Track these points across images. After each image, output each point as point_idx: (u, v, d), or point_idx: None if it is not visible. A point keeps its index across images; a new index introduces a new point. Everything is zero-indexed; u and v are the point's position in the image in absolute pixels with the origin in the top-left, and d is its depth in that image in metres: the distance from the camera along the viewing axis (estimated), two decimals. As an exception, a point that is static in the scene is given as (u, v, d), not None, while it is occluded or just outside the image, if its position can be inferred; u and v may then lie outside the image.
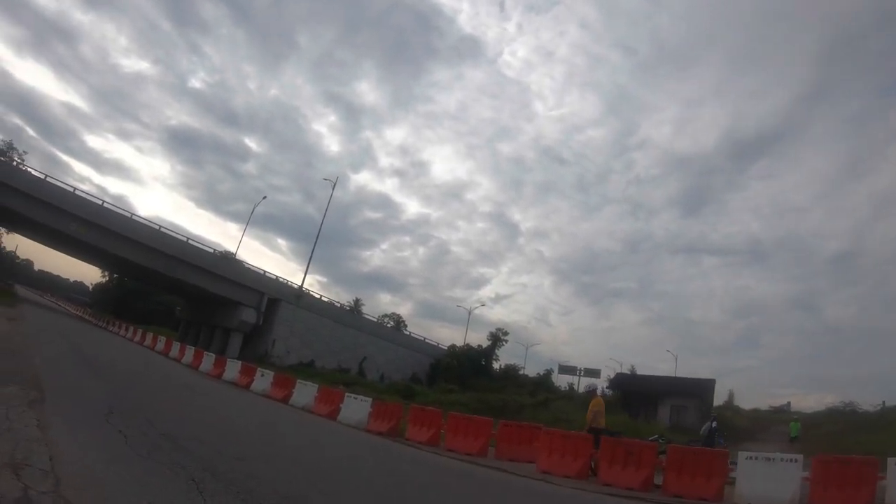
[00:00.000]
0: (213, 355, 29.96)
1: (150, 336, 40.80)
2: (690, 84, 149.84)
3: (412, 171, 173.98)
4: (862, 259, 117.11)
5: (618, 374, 61.59)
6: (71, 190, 46.84)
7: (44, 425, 6.58)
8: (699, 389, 49.87)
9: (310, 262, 71.23)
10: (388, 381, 55.50)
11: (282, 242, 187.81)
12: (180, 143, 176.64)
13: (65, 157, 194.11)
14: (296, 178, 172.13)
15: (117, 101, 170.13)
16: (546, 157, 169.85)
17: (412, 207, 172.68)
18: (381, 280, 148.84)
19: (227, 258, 58.61)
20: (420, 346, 68.22)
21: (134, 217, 50.39)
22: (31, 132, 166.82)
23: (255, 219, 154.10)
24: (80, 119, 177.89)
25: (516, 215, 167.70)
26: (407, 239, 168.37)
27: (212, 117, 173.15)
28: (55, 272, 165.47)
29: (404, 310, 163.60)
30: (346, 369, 55.94)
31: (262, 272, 57.35)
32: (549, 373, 69.97)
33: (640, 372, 62.38)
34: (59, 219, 44.30)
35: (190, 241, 52.81)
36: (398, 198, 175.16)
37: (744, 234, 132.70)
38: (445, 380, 57.96)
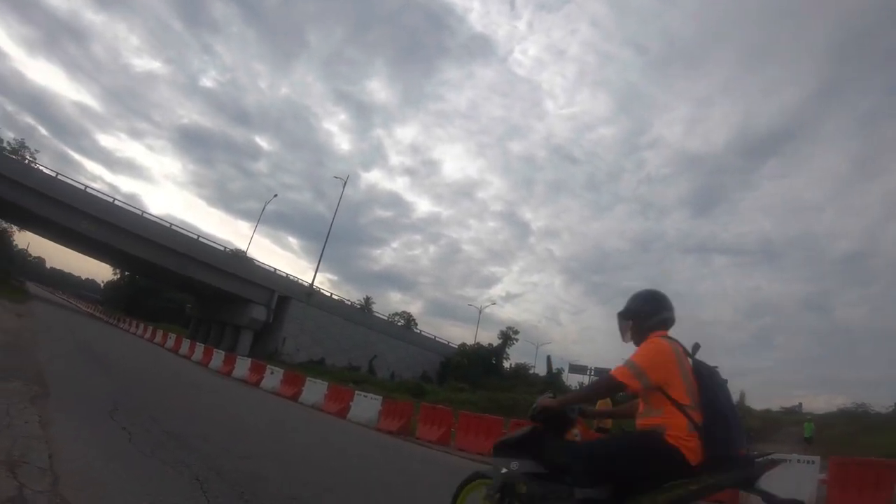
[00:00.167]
0: (223, 352, 29.92)
1: (160, 333, 40.86)
2: (701, 82, 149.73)
3: (423, 169, 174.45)
4: (874, 259, 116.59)
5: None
6: (82, 188, 47.15)
7: (45, 422, 6.43)
8: (710, 390, 49.43)
9: (320, 260, 71.52)
10: (399, 379, 55.47)
11: (293, 241, 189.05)
12: (192, 142, 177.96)
13: (77, 156, 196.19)
14: (306, 177, 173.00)
15: (129, 101, 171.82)
16: (557, 156, 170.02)
17: (423, 206, 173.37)
18: (392, 278, 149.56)
19: (238, 256, 58.74)
20: (430, 345, 68.22)
21: (144, 215, 50.67)
22: (43, 131, 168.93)
23: (266, 217, 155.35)
24: (92, 118, 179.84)
25: (527, 214, 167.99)
26: (418, 237, 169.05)
27: (223, 116, 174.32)
28: (67, 270, 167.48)
29: (415, 308, 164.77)
30: (357, 367, 56.03)
31: (273, 270, 57.53)
32: (559, 372, 69.84)
33: (649, 372, 61.93)
34: (69, 216, 44.57)
35: (200, 239, 53.03)
36: (409, 196, 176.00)
37: (755, 234, 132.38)
38: (456, 378, 57.92)
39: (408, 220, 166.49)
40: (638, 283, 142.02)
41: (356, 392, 19.80)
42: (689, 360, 3.87)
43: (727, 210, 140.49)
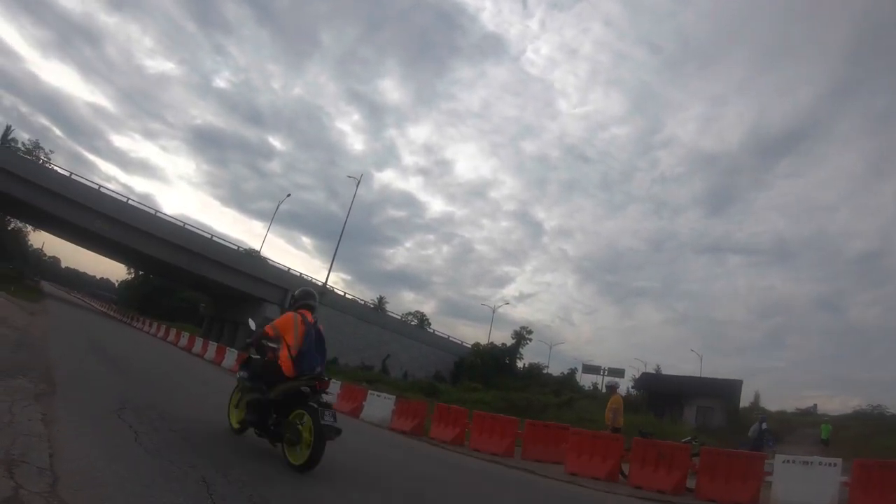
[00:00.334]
0: (236, 351, 29.78)
1: (173, 332, 40.87)
2: (715, 81, 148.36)
3: (436, 169, 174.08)
4: (888, 259, 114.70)
5: (643, 373, 61.00)
6: (95, 187, 47.32)
7: (49, 420, 6.24)
8: (726, 390, 49.07)
9: (333, 260, 71.31)
10: (412, 378, 55.29)
11: (306, 240, 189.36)
12: (205, 143, 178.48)
13: (91, 157, 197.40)
14: (320, 177, 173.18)
15: (143, 102, 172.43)
16: (570, 156, 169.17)
17: (436, 206, 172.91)
18: (405, 278, 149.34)
19: (251, 255, 58.80)
20: (444, 344, 68.01)
21: (158, 214, 50.84)
22: (57, 132, 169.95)
23: (280, 217, 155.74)
24: (106, 119, 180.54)
25: (540, 214, 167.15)
26: (431, 237, 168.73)
27: (236, 116, 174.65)
28: (82, 269, 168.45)
29: (428, 308, 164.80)
30: (370, 367, 55.93)
31: (286, 269, 57.53)
32: (573, 372, 69.51)
33: (664, 372, 61.69)
34: (83, 216, 44.71)
35: (214, 238, 53.14)
36: (422, 196, 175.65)
37: (769, 234, 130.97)
38: (469, 378, 57.74)
39: (421, 219, 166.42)
40: (651, 282, 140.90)
41: (369, 391, 19.62)
42: (304, 326, 7.84)
43: (741, 209, 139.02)
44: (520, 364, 69.50)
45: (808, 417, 49.92)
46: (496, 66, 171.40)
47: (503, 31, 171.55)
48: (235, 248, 56.02)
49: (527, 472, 12.40)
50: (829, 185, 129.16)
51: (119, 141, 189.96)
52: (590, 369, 67.82)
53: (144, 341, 32.00)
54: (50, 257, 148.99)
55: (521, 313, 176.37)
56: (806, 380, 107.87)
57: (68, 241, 67.12)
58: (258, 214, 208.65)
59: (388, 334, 61.69)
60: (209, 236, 52.94)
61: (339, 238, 63.05)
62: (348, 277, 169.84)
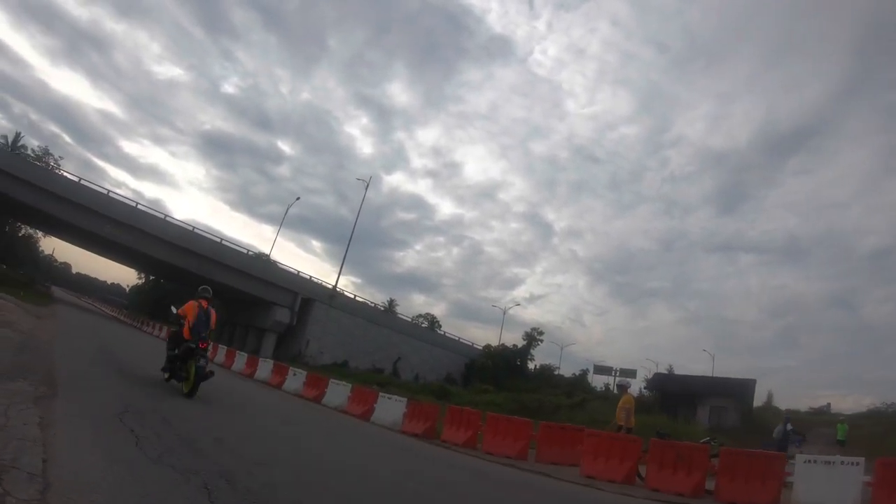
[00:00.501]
0: (246, 355, 29.67)
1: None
2: (723, 79, 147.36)
3: (445, 171, 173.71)
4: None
5: (656, 374, 60.52)
6: (104, 192, 47.31)
7: (46, 423, 6.00)
8: (739, 390, 48.55)
9: (343, 263, 70.95)
10: (423, 381, 55.07)
11: (316, 244, 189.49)
12: (214, 148, 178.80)
13: (101, 163, 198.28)
14: (329, 181, 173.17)
15: (151, 108, 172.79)
16: (579, 156, 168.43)
17: (445, 208, 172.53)
18: (415, 281, 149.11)
19: (261, 259, 58.71)
20: (455, 346, 67.73)
21: (167, 218, 50.82)
22: (67, 139, 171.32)
23: (290, 221, 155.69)
24: (116, 125, 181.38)
25: (550, 215, 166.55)
26: (440, 239, 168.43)
27: (245, 121, 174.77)
28: (93, 275, 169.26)
29: (438, 310, 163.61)
30: (380, 369, 55.76)
31: (296, 272, 57.42)
32: (584, 373, 69.14)
33: (676, 372, 61.19)
34: (93, 221, 44.83)
35: (223, 242, 53.12)
36: (431, 199, 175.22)
37: (780, 232, 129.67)
38: (480, 380, 57.45)
39: (430, 222, 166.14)
40: (662, 282, 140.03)
41: (380, 394, 19.35)
42: (198, 310, 12.62)
43: (752, 208, 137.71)
44: (531, 366, 69.19)
45: (823, 417, 49.32)
46: (504, 68, 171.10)
47: (510, 33, 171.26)
48: (245, 251, 55.98)
49: (542, 476, 12.10)
50: (839, 182, 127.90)
51: (128, 147, 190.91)
52: (601, 370, 67.48)
53: (153, 345, 31.81)
54: (61, 263, 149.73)
55: (532, 315, 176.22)
56: (819, 379, 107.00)
57: (78, 246, 67.30)
58: (268, 219, 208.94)
59: (399, 337, 61.48)
60: (218, 240, 52.96)
61: (348, 241, 62.96)
62: (358, 280, 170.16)
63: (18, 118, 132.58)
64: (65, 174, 50.21)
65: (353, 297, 63.50)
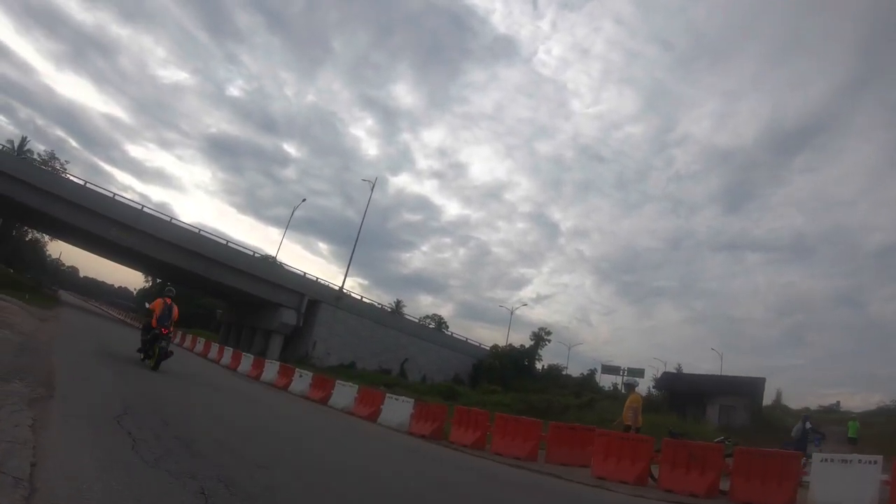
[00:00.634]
0: (252, 356, 29.51)
1: (189, 338, 40.74)
2: (729, 77, 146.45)
3: (451, 172, 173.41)
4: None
5: (664, 373, 60.19)
6: (110, 195, 47.26)
7: (40, 426, 5.80)
8: (748, 388, 48.14)
9: (350, 264, 70.83)
10: (430, 382, 54.84)
11: (323, 246, 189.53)
12: (220, 151, 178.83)
13: (107, 167, 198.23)
14: (335, 183, 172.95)
15: (157, 112, 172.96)
16: (584, 156, 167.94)
17: (452, 209, 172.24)
18: (422, 282, 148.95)
19: (267, 260, 58.61)
20: (462, 347, 67.50)
21: (173, 221, 50.75)
22: (73, 143, 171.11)
23: (296, 223, 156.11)
24: (122, 129, 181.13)
25: (556, 215, 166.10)
26: (447, 240, 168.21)
27: (251, 124, 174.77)
28: (100, 278, 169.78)
29: (445, 311, 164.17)
30: (388, 370, 55.59)
31: (302, 274, 57.20)
32: (592, 373, 68.85)
33: (684, 371, 60.83)
34: (98, 224, 44.76)
35: (229, 244, 52.99)
36: (437, 199, 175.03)
37: (787, 230, 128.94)
38: (488, 380, 57.22)
39: (437, 223, 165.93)
40: (669, 282, 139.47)
41: (387, 395, 19.18)
42: (164, 305, 16.56)
43: (758, 206, 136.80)
44: (539, 366, 69.01)
45: (833, 415, 48.85)
46: (508, 68, 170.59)
47: (514, 33, 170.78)
48: (251, 253, 55.88)
49: (551, 477, 11.89)
50: (846, 179, 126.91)
51: (135, 151, 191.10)
52: (609, 370, 67.17)
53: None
54: (68, 267, 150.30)
55: (539, 315, 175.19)
56: (826, 377, 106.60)
57: (84, 249, 67.26)
58: (275, 221, 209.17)
59: (406, 338, 61.26)
60: (224, 242, 52.80)
61: (354, 242, 62.83)
62: (365, 282, 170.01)
63: (25, 123, 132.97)
64: (70, 177, 50.24)
65: (359, 298, 63.34)
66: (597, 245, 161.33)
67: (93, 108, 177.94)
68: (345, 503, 5.95)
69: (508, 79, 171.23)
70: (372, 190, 61.66)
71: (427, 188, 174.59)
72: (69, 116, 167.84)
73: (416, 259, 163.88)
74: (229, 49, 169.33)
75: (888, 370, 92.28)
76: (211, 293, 67.81)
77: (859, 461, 10.43)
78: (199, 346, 36.30)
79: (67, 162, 69.95)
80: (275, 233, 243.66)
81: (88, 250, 66.76)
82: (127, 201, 48.96)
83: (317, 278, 58.14)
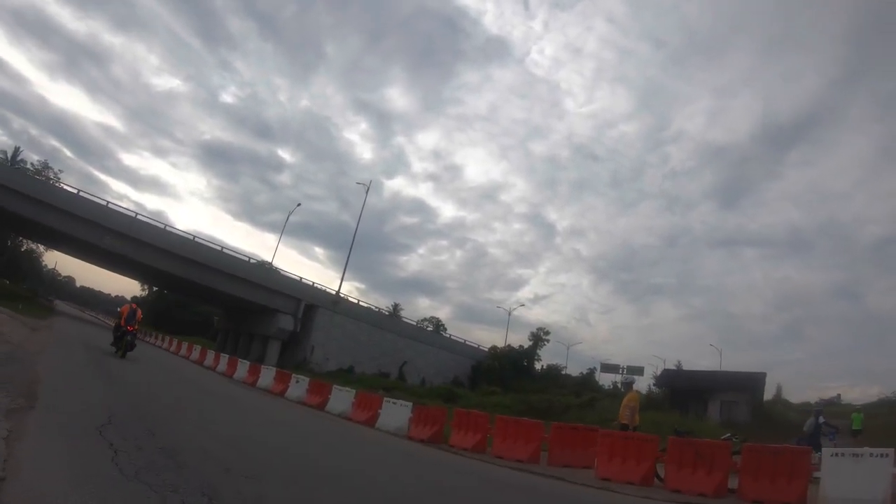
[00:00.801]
0: (248, 363, 29.21)
1: (184, 346, 40.42)
2: (722, 73, 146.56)
3: (446, 174, 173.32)
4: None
5: (664, 370, 59.94)
6: (104, 203, 46.99)
7: (15, 437, 5.51)
8: (749, 384, 47.90)
9: (346, 268, 70.62)
10: (429, 384, 54.58)
11: (319, 251, 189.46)
12: (215, 158, 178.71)
13: (102, 176, 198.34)
14: (330, 187, 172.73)
15: (151, 119, 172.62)
16: (579, 155, 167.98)
17: (447, 211, 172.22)
18: (419, 284, 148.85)
19: (263, 266, 58.29)
20: (461, 349, 67.31)
21: (167, 228, 50.55)
22: (67, 153, 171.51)
23: (292, 228, 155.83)
24: (115, 138, 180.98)
25: (552, 215, 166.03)
26: (443, 243, 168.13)
27: (245, 131, 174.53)
28: (96, 288, 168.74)
29: (443, 313, 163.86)
30: (386, 374, 55.36)
31: (299, 279, 56.94)
32: (591, 372, 68.69)
33: (683, 368, 60.61)
34: (92, 232, 44.57)
35: (224, 251, 52.69)
36: (433, 202, 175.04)
37: (783, 224, 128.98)
38: (487, 382, 57.06)
39: (433, 225, 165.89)
40: (667, 279, 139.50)
41: (385, 399, 18.87)
42: (129, 310, 21.68)
43: (754, 201, 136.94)
44: (538, 366, 68.96)
45: (834, 408, 48.58)
46: (501, 69, 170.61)
47: (506, 34, 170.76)
48: (246, 259, 55.55)
49: (554, 479, 11.59)
50: (841, 172, 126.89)
51: (129, 159, 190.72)
52: (608, 368, 67.12)
53: (153, 355, 31.39)
54: (64, 277, 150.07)
55: (537, 315, 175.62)
56: (825, 370, 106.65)
57: (79, 258, 66.85)
58: (271, 227, 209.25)
59: (404, 341, 61.04)
60: (220, 248, 52.49)
61: (350, 246, 62.59)
62: (362, 286, 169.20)
63: (18, 134, 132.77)
64: (64, 186, 50.03)
65: (357, 302, 63.10)
66: (593, 244, 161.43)
67: (86, 118, 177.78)
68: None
69: (501, 80, 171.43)
70: (366, 193, 61.52)
71: (422, 191, 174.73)
72: (63, 126, 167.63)
73: (413, 262, 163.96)
74: (222, 55, 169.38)
75: (886, 362, 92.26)
76: (207, 300, 67.52)
77: (870, 455, 10.10)
78: (195, 354, 35.95)
79: (61, 171, 69.90)
80: (271, 239, 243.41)
81: (83, 259, 66.40)
82: (120, 209, 48.87)
83: (313, 283, 57.94)
